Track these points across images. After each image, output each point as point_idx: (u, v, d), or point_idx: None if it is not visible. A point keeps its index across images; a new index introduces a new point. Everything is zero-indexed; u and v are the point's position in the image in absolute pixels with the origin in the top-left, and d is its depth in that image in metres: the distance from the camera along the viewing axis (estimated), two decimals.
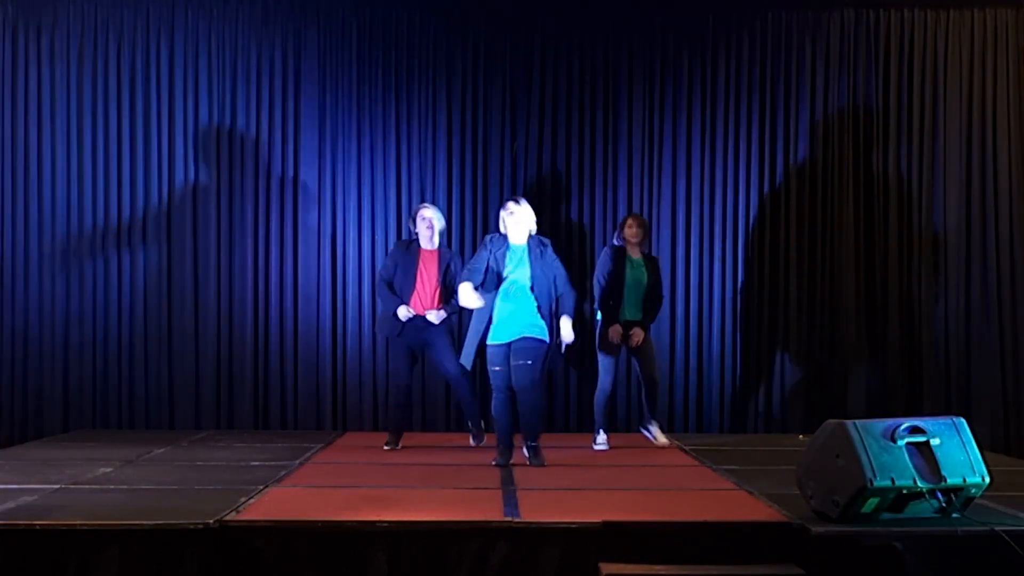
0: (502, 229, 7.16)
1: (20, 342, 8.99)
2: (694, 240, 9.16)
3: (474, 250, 9.04)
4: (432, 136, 9.12)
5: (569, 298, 7.07)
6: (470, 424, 8.06)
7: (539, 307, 6.95)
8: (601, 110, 9.16)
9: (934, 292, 9.09)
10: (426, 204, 8.15)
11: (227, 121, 9.10)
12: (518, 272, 7.01)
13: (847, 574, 4.94)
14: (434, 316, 7.72)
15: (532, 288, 6.97)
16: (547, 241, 7.23)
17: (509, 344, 6.94)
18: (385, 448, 7.77)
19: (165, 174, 9.07)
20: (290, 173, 9.12)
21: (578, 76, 9.15)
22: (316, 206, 9.11)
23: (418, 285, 7.77)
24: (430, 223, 7.81)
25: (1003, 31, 9.16)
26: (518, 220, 7.08)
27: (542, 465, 6.95)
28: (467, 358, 7.17)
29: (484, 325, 7.02)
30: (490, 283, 6.99)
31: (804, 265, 9.13)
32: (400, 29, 9.14)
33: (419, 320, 7.74)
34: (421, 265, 7.80)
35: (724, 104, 9.17)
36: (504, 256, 7.03)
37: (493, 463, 6.99)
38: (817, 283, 9.11)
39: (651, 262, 8.15)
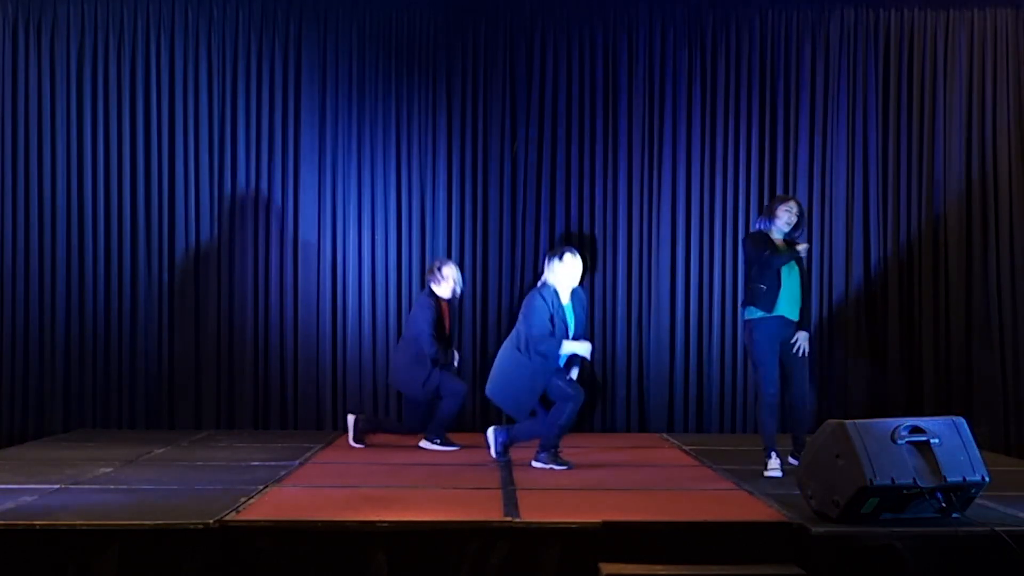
0: (552, 275, 7.01)
1: (20, 342, 9.00)
2: (694, 240, 9.16)
3: (474, 252, 9.10)
4: (432, 136, 9.12)
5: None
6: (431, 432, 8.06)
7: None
8: (601, 110, 9.16)
9: (934, 292, 9.09)
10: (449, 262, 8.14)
11: (227, 121, 9.10)
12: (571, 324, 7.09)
13: (847, 574, 4.94)
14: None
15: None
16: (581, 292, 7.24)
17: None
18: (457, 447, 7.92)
19: (165, 174, 9.08)
20: (290, 173, 9.12)
21: (578, 76, 9.16)
22: (316, 206, 9.11)
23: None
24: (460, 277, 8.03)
25: (1003, 31, 9.17)
26: (578, 273, 7.05)
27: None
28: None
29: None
30: (560, 333, 6.95)
31: (803, 264, 9.11)
32: (400, 29, 9.14)
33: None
34: (446, 316, 8.01)
35: (724, 104, 9.18)
36: (564, 313, 6.99)
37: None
38: (816, 282, 9.10)
39: (794, 250, 6.99)
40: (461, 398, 7.91)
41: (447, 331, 7.97)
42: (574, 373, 7.11)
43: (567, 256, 6.97)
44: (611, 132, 9.16)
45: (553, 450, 6.98)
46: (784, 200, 7.04)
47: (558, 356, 6.98)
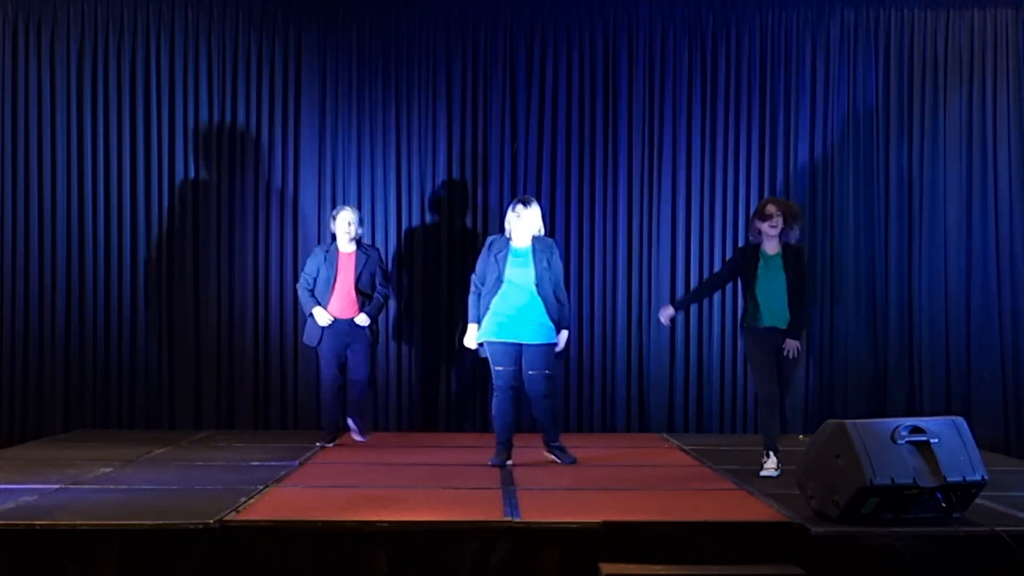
0: (506, 230, 7.22)
1: (20, 342, 8.99)
2: (694, 240, 9.15)
3: (475, 251, 9.08)
4: (432, 136, 9.12)
5: (565, 308, 7.20)
6: (353, 422, 8.13)
7: (547, 309, 7.05)
8: (601, 109, 9.16)
9: (933, 291, 9.08)
10: (345, 206, 8.25)
11: (227, 121, 9.10)
12: (520, 273, 7.08)
13: (847, 574, 4.95)
14: (361, 319, 7.92)
15: (538, 289, 7.04)
16: (552, 244, 7.33)
17: (520, 346, 7.03)
18: (321, 445, 7.89)
19: (165, 174, 9.07)
20: (290, 173, 9.12)
21: (578, 75, 9.15)
22: (316, 206, 9.10)
23: (336, 288, 7.93)
24: (347, 225, 7.97)
25: (1003, 31, 9.16)
26: (524, 223, 7.14)
27: (574, 462, 7.12)
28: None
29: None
30: (491, 284, 7.08)
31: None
32: (400, 29, 9.14)
33: (341, 324, 7.92)
34: (339, 268, 7.95)
35: (724, 104, 9.17)
36: (505, 258, 7.10)
37: (489, 463, 7.05)
38: (817, 283, 9.10)
39: (792, 254, 7.01)
40: (324, 390, 8.03)
41: (345, 285, 7.92)
42: (496, 369, 7.09)
43: (517, 207, 7.14)
44: (611, 132, 9.16)
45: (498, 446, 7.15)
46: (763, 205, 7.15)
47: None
